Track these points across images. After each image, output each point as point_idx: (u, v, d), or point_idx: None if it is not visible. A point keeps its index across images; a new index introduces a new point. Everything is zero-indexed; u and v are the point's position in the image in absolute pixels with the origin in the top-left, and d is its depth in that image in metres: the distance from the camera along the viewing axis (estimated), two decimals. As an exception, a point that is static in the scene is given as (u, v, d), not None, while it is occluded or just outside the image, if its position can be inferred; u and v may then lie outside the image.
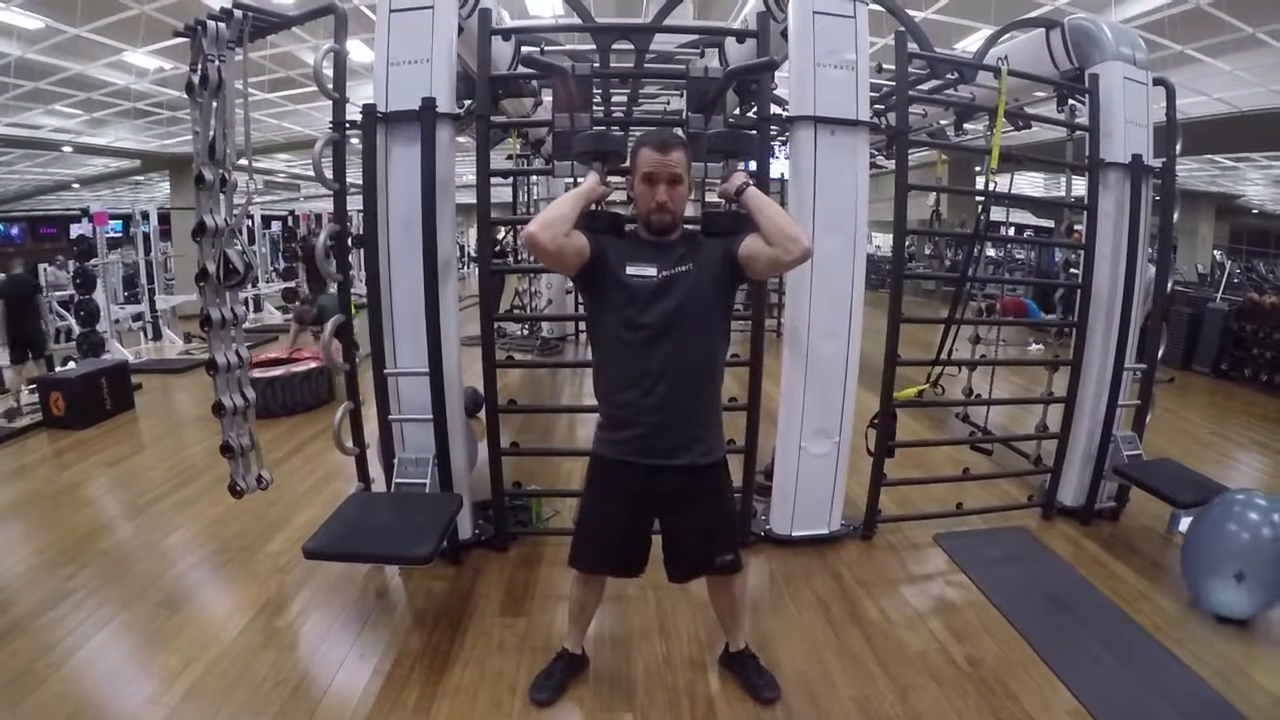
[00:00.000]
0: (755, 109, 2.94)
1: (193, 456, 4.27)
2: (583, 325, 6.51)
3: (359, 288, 3.46)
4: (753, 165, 2.74)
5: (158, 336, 8.43)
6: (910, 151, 3.09)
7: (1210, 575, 2.53)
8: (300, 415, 5.20)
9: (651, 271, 1.79)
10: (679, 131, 2.26)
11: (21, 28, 6.72)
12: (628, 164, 1.92)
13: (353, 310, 2.95)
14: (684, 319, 1.79)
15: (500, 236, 7.65)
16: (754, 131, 2.00)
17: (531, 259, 8.13)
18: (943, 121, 4.90)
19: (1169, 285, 3.34)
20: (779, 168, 3.92)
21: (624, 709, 2.07)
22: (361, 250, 2.78)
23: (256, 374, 4.82)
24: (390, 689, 2.14)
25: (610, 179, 2.02)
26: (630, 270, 1.80)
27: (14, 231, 18.02)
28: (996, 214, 3.69)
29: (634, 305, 1.79)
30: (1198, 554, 2.61)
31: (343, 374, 2.85)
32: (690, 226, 1.94)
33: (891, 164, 3.34)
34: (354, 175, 2.78)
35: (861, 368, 2.95)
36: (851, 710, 2.07)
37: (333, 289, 3.06)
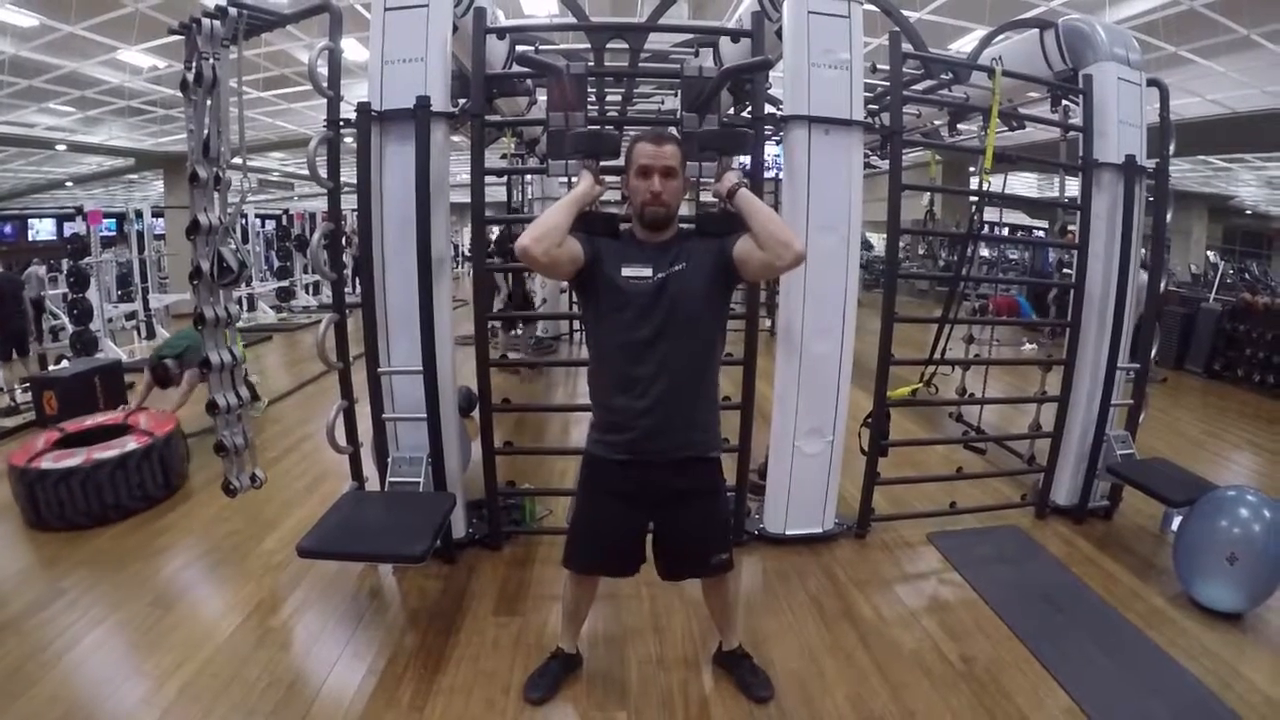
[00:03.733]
0: (750, 108, 2.95)
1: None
2: (577, 325, 6.52)
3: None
4: (746, 161, 2.72)
5: (151, 335, 8.39)
6: (904, 151, 3.09)
7: (1202, 566, 2.56)
8: (119, 524, 3.23)
9: (647, 273, 1.77)
10: (674, 131, 2.26)
11: (15, 25, 6.68)
12: (622, 162, 1.91)
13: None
14: (680, 322, 1.78)
15: (493, 236, 7.63)
16: (747, 128, 1.99)
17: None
18: (937, 122, 4.91)
19: (1162, 285, 3.36)
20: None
21: (618, 708, 2.07)
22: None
23: (46, 463, 3.17)
24: (384, 688, 2.14)
25: (604, 177, 2.01)
26: (626, 272, 1.78)
27: (6, 229, 17.90)
28: (990, 214, 3.69)
29: (630, 309, 1.78)
30: (1189, 545, 2.64)
31: (335, 371, 2.85)
32: (685, 225, 1.94)
33: (885, 164, 3.34)
34: (348, 174, 2.78)
35: (855, 367, 2.96)
36: (845, 709, 2.08)
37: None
